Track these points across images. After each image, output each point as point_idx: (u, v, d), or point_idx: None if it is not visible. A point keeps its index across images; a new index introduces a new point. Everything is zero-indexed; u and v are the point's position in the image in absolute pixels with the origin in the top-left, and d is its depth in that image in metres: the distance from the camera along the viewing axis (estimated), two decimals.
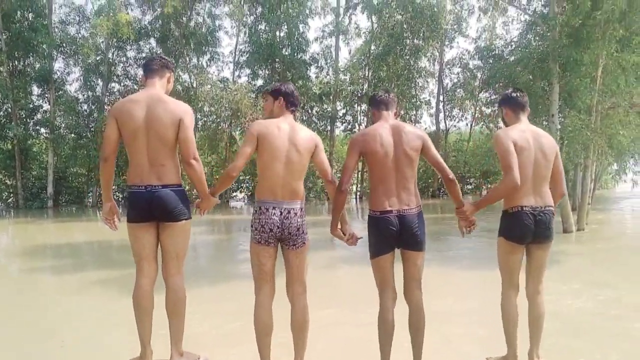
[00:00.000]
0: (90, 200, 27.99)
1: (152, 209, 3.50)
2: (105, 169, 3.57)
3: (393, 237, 3.55)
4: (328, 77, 31.00)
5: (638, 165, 19.01)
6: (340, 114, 31.81)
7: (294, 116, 3.75)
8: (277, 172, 3.52)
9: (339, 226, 3.75)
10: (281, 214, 3.51)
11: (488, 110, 27.43)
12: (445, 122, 33.02)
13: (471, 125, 32.75)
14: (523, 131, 3.70)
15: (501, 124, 22.15)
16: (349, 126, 31.93)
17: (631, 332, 5.00)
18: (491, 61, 20.59)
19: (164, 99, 3.55)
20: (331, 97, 29.97)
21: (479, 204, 3.82)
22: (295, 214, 3.56)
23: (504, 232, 3.75)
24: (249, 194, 30.07)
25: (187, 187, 3.79)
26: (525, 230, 3.62)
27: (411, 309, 3.64)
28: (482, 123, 30.21)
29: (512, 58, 17.85)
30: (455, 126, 33.88)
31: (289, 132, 3.60)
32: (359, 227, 3.76)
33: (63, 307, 7.56)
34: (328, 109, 30.51)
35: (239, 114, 25.89)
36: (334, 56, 31.07)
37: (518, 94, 3.89)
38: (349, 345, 4.71)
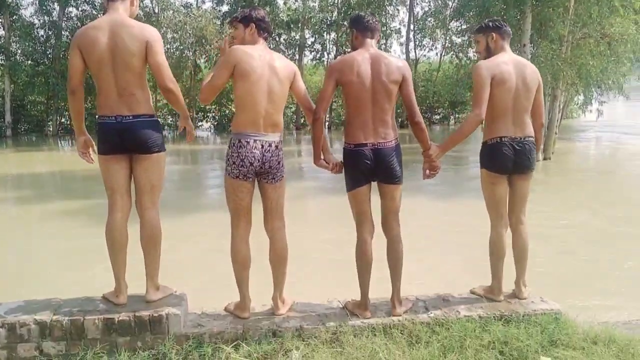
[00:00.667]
0: (51, 129, 27.18)
1: (123, 141, 3.28)
2: (74, 101, 3.33)
3: (368, 170, 3.44)
4: (296, 3, 30.07)
5: (604, 96, 19.17)
6: (309, 43, 31.13)
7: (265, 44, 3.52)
8: (258, 102, 3.30)
9: (322, 156, 3.61)
10: (262, 147, 3.33)
11: (459, 40, 27.18)
12: (415, 51, 32.63)
13: (441, 55, 32.47)
14: (505, 63, 3.58)
15: (471, 54, 22.03)
16: (318, 55, 31.35)
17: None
18: None
19: (129, 23, 3.25)
20: (299, 25, 29.21)
21: (445, 145, 3.70)
22: (277, 147, 3.40)
23: (485, 164, 3.69)
24: (215, 123, 29.59)
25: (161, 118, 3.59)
26: (505, 161, 3.56)
27: (389, 241, 3.59)
28: (452, 53, 30.00)
29: None
30: (425, 56, 33.57)
31: (268, 59, 3.36)
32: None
33: (28, 239, 7.41)
34: (296, 37, 29.80)
35: (203, 41, 25.10)
36: None
37: (505, 23, 3.78)
38: (327, 275, 4.71)
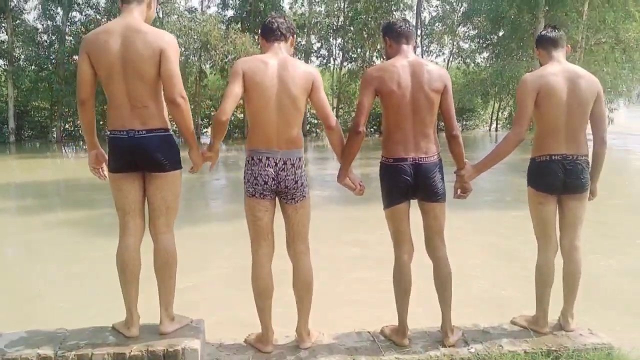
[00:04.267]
0: (55, 136, 26.94)
1: (135, 158, 3.00)
2: (84, 112, 3.05)
3: (408, 187, 3.18)
4: (302, 8, 29.91)
5: (614, 103, 18.92)
6: (315, 48, 30.88)
7: (286, 46, 3.23)
8: (268, 118, 3.04)
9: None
10: (276, 165, 3.07)
11: (466, 46, 27.03)
12: (422, 57, 32.35)
13: (448, 60, 32.27)
14: (554, 74, 3.28)
15: (479, 60, 21.81)
16: (324, 61, 31.15)
17: None
18: None
19: (144, 29, 2.96)
20: (305, 30, 29.01)
21: (481, 167, 3.42)
22: (293, 164, 3.10)
23: (532, 182, 3.40)
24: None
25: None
26: (554, 180, 3.27)
27: (435, 264, 3.31)
28: (459, 59, 29.82)
29: None
30: (432, 61, 33.38)
31: (277, 69, 3.06)
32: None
33: (30, 249, 7.17)
34: (302, 43, 29.59)
35: (208, 46, 24.89)
36: None
37: (548, 30, 3.48)
38: (359, 304, 4.44)
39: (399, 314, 3.32)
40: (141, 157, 3.00)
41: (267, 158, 3.06)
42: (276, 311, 3.29)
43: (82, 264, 6.54)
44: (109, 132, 3.05)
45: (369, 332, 3.46)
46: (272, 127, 3.05)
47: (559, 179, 3.27)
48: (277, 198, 3.18)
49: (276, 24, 3.19)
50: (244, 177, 3.15)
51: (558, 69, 3.30)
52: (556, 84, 3.24)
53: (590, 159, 3.39)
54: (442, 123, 3.33)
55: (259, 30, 3.34)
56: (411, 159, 3.15)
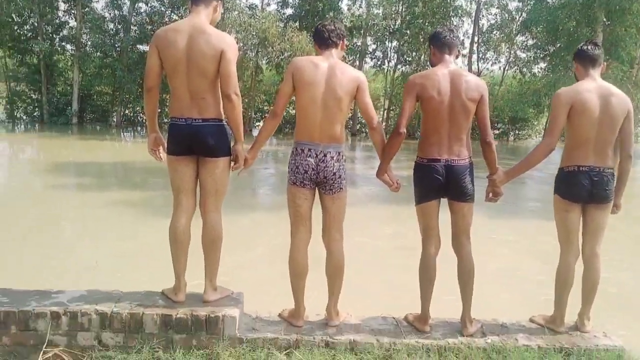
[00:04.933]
0: (115, 120, 28.12)
1: (192, 143, 3.35)
2: (149, 99, 3.42)
3: (439, 186, 3.42)
4: (360, 9, 30.03)
5: None
6: (370, 50, 31.00)
7: (337, 51, 3.50)
8: (313, 115, 3.34)
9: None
10: (317, 156, 3.35)
11: (524, 55, 26.59)
12: (478, 64, 32.06)
13: (504, 69, 31.78)
14: (588, 90, 3.45)
15: (535, 70, 21.45)
16: (379, 62, 31.21)
17: None
18: (532, 3, 19.73)
19: (208, 31, 3.30)
20: (362, 32, 29.15)
21: (513, 173, 3.61)
22: (332, 157, 3.38)
23: (559, 189, 3.57)
24: None
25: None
26: (580, 190, 3.44)
27: (460, 258, 3.55)
28: (516, 67, 29.34)
29: (555, 2, 17.05)
30: (488, 69, 32.94)
31: (327, 72, 3.34)
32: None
33: (87, 225, 7.65)
34: (358, 44, 29.74)
35: (266, 42, 25.34)
36: None
37: (589, 47, 3.60)
38: (384, 288, 4.66)
39: (422, 302, 3.56)
40: (197, 142, 3.34)
41: (309, 149, 3.35)
42: (309, 294, 3.55)
43: (135, 240, 6.98)
44: (169, 119, 3.41)
45: (393, 318, 3.70)
46: (315, 123, 3.34)
47: (585, 189, 3.43)
48: (317, 188, 3.47)
49: (327, 33, 3.44)
50: (288, 166, 3.47)
51: (592, 86, 3.46)
52: (589, 100, 3.40)
53: (616, 173, 3.55)
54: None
55: (312, 34, 3.63)
56: (444, 160, 3.39)
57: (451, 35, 3.52)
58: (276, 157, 18.51)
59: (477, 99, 3.39)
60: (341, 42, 3.50)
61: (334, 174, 3.39)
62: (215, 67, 3.27)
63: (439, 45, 3.50)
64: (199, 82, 3.29)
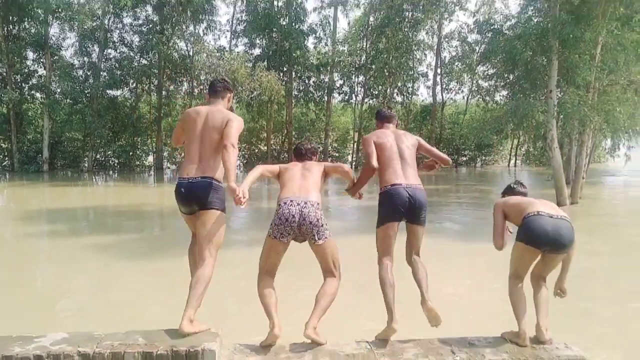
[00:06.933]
0: (86, 165, 27.99)
1: (190, 197, 3.85)
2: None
3: (404, 207, 3.96)
4: (326, 47, 30.77)
5: (632, 141, 18.96)
6: (338, 85, 31.69)
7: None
8: (293, 183, 3.99)
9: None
10: (299, 205, 3.80)
11: (485, 84, 27.41)
12: (442, 94, 32.98)
13: (468, 98, 32.72)
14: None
15: (497, 97, 22.05)
16: (346, 97, 31.86)
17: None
18: (490, 35, 20.48)
19: (221, 109, 4.03)
20: (329, 68, 29.78)
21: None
22: (312, 205, 3.83)
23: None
24: (245, 161, 30.22)
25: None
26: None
27: (414, 266, 4.05)
28: (478, 96, 30.20)
29: (511, 33, 17.76)
30: (451, 99, 33.85)
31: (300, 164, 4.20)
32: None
33: (62, 272, 7.63)
34: (325, 80, 30.34)
35: (235, 83, 25.72)
36: (332, 27, 30.70)
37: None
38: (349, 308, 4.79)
39: (387, 307, 3.85)
40: (193, 196, 3.85)
41: (291, 201, 3.86)
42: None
43: (113, 282, 7.03)
44: (177, 179, 3.95)
45: (367, 342, 3.87)
46: (294, 188, 3.96)
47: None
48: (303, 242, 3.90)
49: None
50: (272, 222, 3.87)
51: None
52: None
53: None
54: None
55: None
56: (405, 184, 4.04)
57: (389, 112, 4.55)
58: None
59: (416, 144, 4.33)
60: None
61: (318, 219, 3.78)
62: (221, 134, 3.85)
63: (381, 118, 4.52)
64: (207, 149, 3.88)
